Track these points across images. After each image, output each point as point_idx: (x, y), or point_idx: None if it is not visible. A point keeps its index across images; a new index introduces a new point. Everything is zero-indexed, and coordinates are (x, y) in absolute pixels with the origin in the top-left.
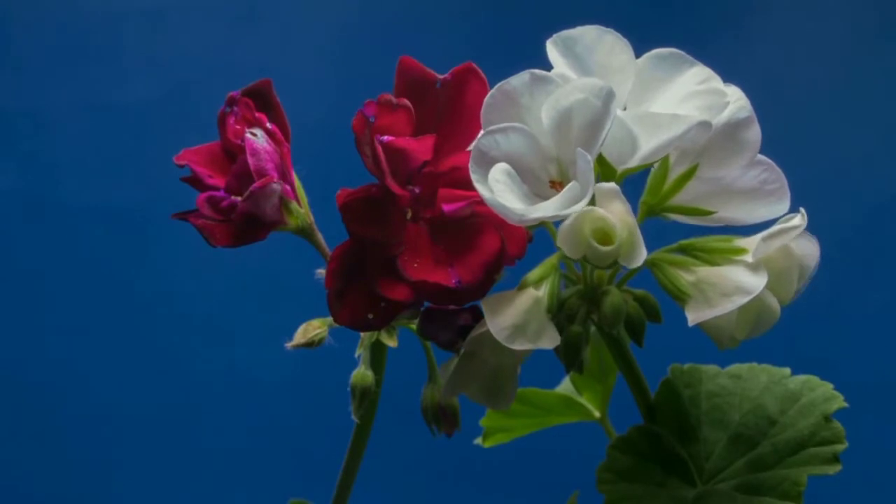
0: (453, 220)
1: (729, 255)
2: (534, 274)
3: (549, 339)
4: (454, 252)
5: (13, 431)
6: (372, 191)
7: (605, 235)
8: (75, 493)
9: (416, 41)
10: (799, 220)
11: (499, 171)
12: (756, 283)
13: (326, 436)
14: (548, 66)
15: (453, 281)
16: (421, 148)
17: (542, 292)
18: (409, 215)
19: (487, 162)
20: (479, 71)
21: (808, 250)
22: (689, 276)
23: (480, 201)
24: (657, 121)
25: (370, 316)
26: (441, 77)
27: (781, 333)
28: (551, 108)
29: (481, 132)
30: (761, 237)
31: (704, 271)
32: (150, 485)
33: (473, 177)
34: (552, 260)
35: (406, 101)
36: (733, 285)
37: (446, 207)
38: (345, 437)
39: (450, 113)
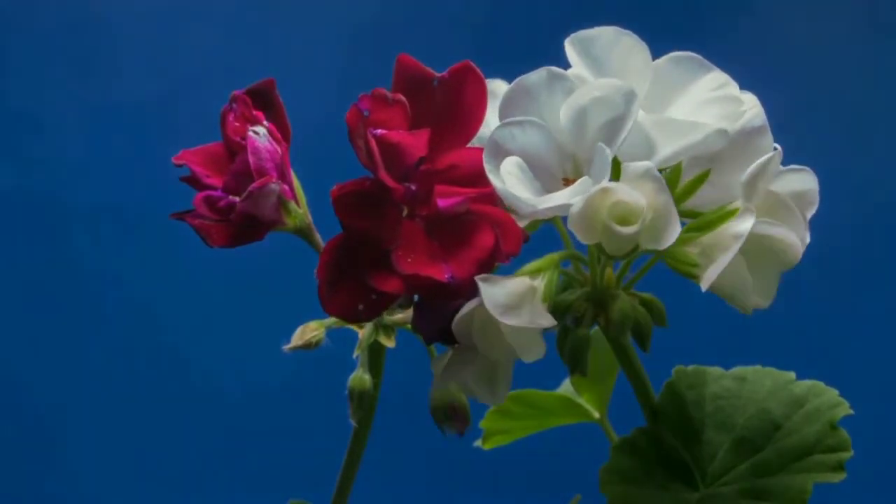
0: (448, 217)
1: (727, 219)
2: (530, 266)
3: (544, 320)
4: (448, 247)
5: (12, 431)
6: (365, 184)
7: (623, 219)
8: (74, 493)
9: (416, 41)
10: (773, 151)
11: (511, 163)
12: (745, 224)
13: (326, 437)
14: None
15: (446, 276)
16: (416, 143)
17: (538, 283)
18: (405, 212)
19: (502, 154)
20: (477, 70)
21: (801, 180)
22: (695, 249)
23: (476, 198)
24: (676, 127)
25: (360, 307)
26: (438, 75)
27: (784, 334)
28: (570, 107)
29: (498, 124)
30: (743, 183)
31: (706, 238)
32: (150, 485)
33: (486, 167)
34: (554, 256)
35: (401, 97)
36: (729, 236)
37: (441, 203)
38: (344, 438)
39: (447, 111)
